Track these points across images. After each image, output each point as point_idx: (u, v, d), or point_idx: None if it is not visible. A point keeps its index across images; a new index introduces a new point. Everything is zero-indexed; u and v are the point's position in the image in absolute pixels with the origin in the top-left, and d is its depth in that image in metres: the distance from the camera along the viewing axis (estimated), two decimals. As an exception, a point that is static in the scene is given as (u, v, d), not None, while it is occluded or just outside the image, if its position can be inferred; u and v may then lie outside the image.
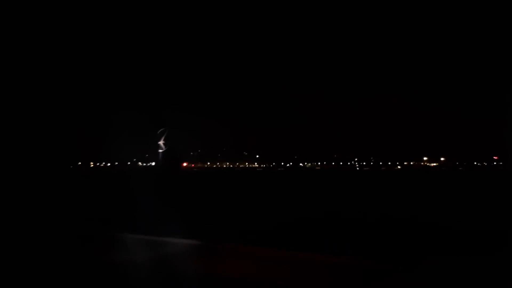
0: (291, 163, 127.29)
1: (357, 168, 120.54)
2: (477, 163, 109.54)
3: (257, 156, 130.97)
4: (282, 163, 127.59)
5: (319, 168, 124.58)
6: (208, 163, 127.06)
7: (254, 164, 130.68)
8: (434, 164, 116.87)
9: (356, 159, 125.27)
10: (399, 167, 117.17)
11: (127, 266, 5.73)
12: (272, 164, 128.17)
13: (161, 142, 7.72)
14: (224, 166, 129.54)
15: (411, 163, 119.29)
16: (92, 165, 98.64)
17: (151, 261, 5.97)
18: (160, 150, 7.76)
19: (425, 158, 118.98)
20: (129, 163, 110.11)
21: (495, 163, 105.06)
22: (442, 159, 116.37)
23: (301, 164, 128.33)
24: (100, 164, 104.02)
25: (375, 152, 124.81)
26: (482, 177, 52.02)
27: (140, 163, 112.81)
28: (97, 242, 7.58)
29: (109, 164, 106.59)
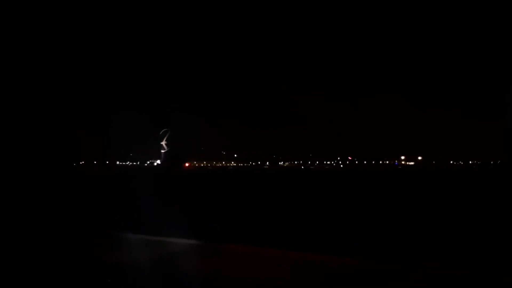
0: (268, 163, 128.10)
1: (341, 166, 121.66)
2: (476, 162, 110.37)
3: (235, 156, 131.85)
4: (266, 162, 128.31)
5: (299, 166, 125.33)
6: (193, 162, 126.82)
7: (232, 163, 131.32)
8: (433, 162, 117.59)
9: (339, 158, 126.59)
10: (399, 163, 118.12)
11: (127, 266, 5.74)
12: (252, 163, 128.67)
13: (163, 143, 7.72)
14: (202, 165, 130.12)
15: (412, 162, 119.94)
16: (79, 164, 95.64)
17: (151, 261, 5.98)
18: (163, 151, 7.76)
19: (416, 158, 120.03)
20: (117, 162, 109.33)
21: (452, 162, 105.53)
22: (422, 157, 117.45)
23: (280, 163, 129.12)
24: (81, 162, 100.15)
25: (374, 151, 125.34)
26: (483, 177, 52.06)
27: (118, 162, 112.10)
28: (97, 242, 7.59)
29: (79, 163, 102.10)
